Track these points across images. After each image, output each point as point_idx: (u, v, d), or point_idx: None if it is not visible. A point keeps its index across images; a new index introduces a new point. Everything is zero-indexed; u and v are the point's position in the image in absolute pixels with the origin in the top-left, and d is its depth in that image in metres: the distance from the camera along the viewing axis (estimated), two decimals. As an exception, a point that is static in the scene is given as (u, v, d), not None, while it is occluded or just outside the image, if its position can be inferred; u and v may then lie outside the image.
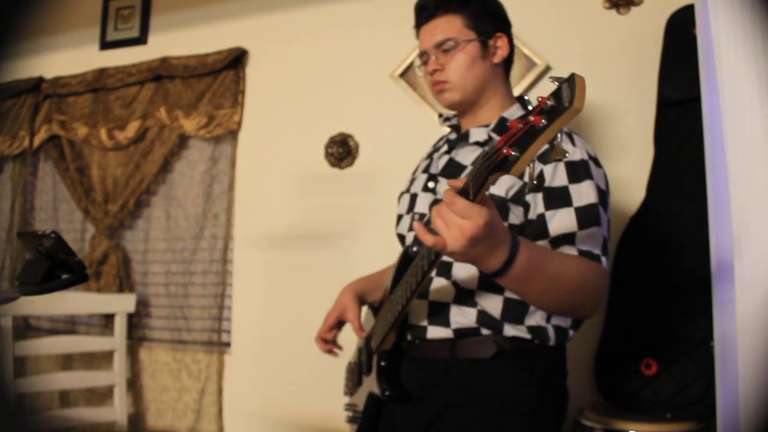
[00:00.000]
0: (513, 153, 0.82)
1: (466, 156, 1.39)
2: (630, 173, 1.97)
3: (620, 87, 2.03)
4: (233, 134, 2.61)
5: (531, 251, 1.08)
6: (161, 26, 2.82)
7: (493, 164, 0.86)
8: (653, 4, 2.01)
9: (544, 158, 1.26)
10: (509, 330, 1.26)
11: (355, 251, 2.35)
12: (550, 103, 0.78)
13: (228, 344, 2.57)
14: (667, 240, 1.81)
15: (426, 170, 1.49)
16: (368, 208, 2.36)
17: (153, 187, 2.77)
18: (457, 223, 0.93)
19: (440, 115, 1.53)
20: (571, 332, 1.32)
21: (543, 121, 0.78)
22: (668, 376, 1.71)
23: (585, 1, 2.10)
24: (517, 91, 2.14)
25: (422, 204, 1.43)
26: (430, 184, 1.43)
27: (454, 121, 1.49)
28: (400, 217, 1.51)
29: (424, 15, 1.42)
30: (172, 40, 2.75)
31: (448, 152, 1.43)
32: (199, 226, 2.67)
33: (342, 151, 2.41)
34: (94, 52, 2.93)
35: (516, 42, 2.15)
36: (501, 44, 1.43)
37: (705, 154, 1.17)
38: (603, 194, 1.26)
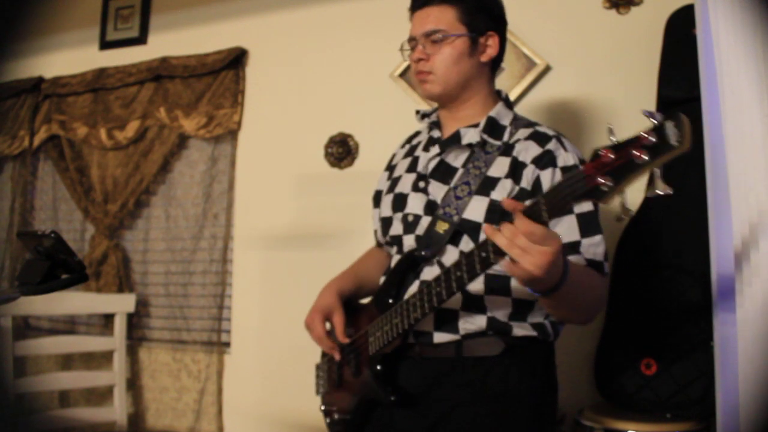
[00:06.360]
0: (608, 183, 0.85)
1: (457, 158, 1.38)
2: (630, 173, 1.97)
3: (620, 87, 2.03)
4: (233, 134, 2.61)
5: (573, 268, 1.11)
6: (161, 26, 2.82)
7: (581, 191, 0.89)
8: (653, 4, 2.01)
9: (541, 163, 1.27)
10: (518, 330, 1.29)
11: (355, 251, 2.33)
12: (652, 139, 0.80)
13: (228, 344, 2.57)
14: (667, 240, 1.80)
15: (412, 170, 1.46)
16: (368, 208, 2.35)
17: (153, 187, 2.77)
18: (537, 249, 0.96)
19: (417, 112, 1.51)
20: (560, 326, 1.38)
21: (645, 156, 0.81)
22: (668, 376, 1.71)
23: (585, 1, 2.09)
24: (516, 92, 2.15)
25: (414, 205, 1.40)
26: (421, 184, 1.41)
27: (433, 118, 1.48)
28: (386, 219, 1.47)
29: (419, 0, 1.40)
30: (171, 40, 2.74)
31: (439, 154, 1.41)
32: (199, 226, 2.66)
33: (342, 151, 2.41)
34: (94, 51, 2.92)
35: (516, 42, 2.18)
36: (491, 43, 1.39)
37: (705, 154, 1.17)
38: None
